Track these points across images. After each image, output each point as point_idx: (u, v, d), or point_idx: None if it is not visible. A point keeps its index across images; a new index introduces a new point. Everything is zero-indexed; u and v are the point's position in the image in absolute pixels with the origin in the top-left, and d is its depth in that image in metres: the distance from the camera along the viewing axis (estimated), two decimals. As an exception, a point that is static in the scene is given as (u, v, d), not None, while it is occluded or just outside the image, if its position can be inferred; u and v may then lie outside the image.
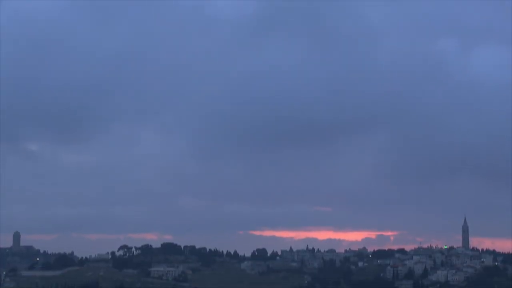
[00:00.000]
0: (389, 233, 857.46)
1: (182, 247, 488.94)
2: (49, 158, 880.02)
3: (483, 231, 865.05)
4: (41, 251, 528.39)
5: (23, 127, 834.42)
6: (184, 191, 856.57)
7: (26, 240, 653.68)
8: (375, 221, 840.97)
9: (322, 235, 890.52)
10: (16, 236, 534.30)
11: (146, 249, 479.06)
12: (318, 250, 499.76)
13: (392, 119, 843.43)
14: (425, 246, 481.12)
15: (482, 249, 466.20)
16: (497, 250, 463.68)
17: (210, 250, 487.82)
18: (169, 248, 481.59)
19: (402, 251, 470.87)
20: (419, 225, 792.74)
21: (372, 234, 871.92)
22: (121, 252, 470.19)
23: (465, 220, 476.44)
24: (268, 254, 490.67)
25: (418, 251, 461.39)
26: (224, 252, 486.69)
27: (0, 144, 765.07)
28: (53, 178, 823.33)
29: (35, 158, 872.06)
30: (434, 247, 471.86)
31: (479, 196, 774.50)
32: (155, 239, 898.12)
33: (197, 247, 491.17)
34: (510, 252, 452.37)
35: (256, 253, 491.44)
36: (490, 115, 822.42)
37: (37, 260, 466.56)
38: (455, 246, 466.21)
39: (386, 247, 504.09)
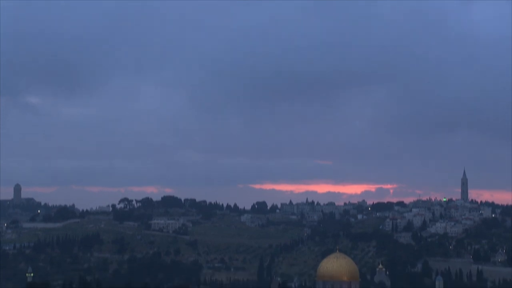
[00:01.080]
0: (389, 186, 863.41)
1: (182, 200, 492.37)
2: (50, 111, 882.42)
3: (482, 184, 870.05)
4: (42, 204, 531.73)
5: (23, 80, 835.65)
6: (184, 144, 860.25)
7: (27, 192, 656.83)
8: (374, 174, 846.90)
9: (322, 188, 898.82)
10: (17, 189, 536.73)
11: (147, 202, 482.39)
12: (318, 203, 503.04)
13: (391, 73, 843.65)
14: (424, 198, 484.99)
15: (481, 201, 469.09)
16: (496, 202, 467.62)
17: (210, 203, 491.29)
18: (169, 201, 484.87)
19: (401, 203, 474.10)
20: (418, 178, 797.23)
21: (371, 187, 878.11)
22: (121, 205, 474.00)
23: (464, 172, 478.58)
24: (268, 207, 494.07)
25: (417, 204, 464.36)
26: (224, 205, 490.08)
27: (1, 97, 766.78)
28: (53, 131, 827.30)
29: (36, 111, 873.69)
30: (433, 200, 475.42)
31: (478, 149, 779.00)
32: (155, 192, 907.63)
33: (197, 200, 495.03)
34: (509, 204, 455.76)
35: (256, 206, 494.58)
36: (489, 69, 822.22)
37: (38, 212, 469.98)
38: (454, 199, 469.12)
39: (385, 200, 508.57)
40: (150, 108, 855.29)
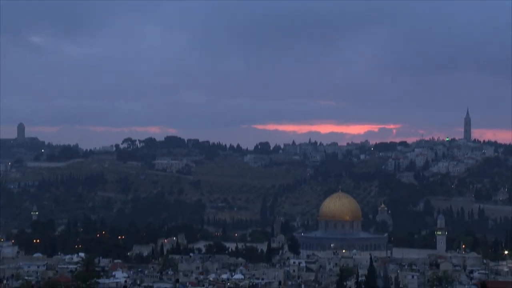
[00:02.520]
0: (392, 126, 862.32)
1: (186, 140, 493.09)
2: (53, 51, 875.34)
3: (485, 123, 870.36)
4: (46, 143, 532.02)
5: (26, 20, 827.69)
6: (188, 85, 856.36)
7: (31, 131, 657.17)
8: (377, 114, 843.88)
9: (325, 129, 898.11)
10: (21, 128, 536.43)
11: (150, 142, 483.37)
12: (321, 144, 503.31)
13: (393, 13, 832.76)
14: (427, 138, 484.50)
15: (484, 141, 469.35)
16: (499, 141, 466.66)
17: (213, 143, 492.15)
18: (172, 141, 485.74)
19: (404, 143, 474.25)
20: (421, 118, 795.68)
21: (374, 127, 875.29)
22: (125, 145, 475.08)
23: (467, 112, 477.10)
24: (271, 148, 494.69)
25: (419, 144, 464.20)
26: (227, 146, 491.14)
27: (3, 37, 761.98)
28: (57, 71, 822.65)
29: (39, 50, 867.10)
30: (436, 139, 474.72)
31: (481, 89, 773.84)
32: (158, 132, 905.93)
33: (200, 140, 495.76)
34: (511, 143, 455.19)
35: (259, 146, 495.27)
36: (491, 6, 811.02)
37: (42, 152, 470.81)
38: (456, 138, 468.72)
39: (388, 140, 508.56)
40: (153, 48, 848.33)
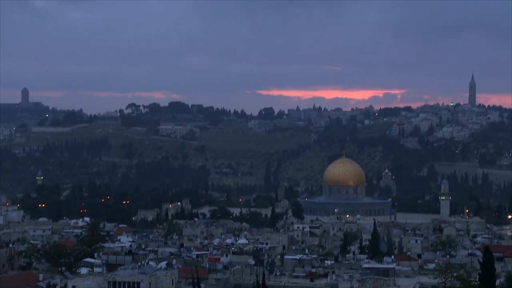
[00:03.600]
0: (396, 91, 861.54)
1: (190, 106, 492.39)
2: (56, 15, 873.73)
3: (490, 88, 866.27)
4: (50, 108, 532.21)
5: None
6: (191, 49, 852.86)
7: (35, 96, 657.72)
8: (382, 79, 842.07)
9: (329, 94, 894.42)
10: (25, 93, 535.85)
11: (154, 107, 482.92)
12: (325, 109, 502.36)
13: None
14: (431, 103, 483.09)
15: (489, 106, 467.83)
16: (504, 106, 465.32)
17: (217, 109, 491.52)
18: (176, 107, 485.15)
19: (408, 108, 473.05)
20: (426, 83, 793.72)
21: (379, 93, 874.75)
22: (129, 110, 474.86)
23: (472, 77, 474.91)
24: (275, 113, 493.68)
25: (424, 109, 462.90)
26: (232, 111, 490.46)
27: (7, 1, 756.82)
28: (60, 35, 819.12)
29: (42, 15, 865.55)
30: (440, 105, 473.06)
31: (487, 53, 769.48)
32: (162, 97, 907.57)
33: (204, 106, 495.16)
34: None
35: (263, 112, 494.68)
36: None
37: (46, 117, 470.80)
38: (461, 103, 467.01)
39: (392, 105, 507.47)
40: (157, 12, 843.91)
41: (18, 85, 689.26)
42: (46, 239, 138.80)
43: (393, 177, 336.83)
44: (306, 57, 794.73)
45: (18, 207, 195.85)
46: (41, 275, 77.77)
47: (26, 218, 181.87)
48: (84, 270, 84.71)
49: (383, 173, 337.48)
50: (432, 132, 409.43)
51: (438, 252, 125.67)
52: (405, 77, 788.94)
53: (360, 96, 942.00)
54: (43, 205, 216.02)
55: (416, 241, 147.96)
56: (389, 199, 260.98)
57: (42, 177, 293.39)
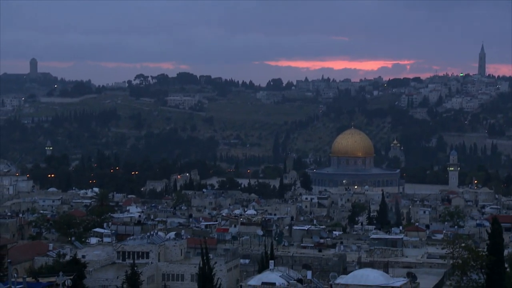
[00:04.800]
0: (405, 62, 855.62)
1: (198, 77, 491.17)
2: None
3: (500, 58, 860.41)
4: (58, 78, 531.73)
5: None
6: (200, 20, 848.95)
7: (43, 67, 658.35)
8: (391, 50, 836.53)
9: (338, 65, 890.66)
10: (33, 63, 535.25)
11: (162, 78, 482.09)
12: (334, 80, 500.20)
13: None
14: (441, 74, 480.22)
15: (498, 76, 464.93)
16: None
17: (225, 80, 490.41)
18: (185, 78, 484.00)
19: (417, 79, 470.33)
20: (435, 53, 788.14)
21: (388, 63, 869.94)
22: (137, 81, 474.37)
23: (482, 47, 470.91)
24: (284, 84, 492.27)
25: (433, 79, 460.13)
26: (240, 82, 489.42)
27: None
28: (67, 4, 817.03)
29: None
30: (450, 75, 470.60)
31: (497, 23, 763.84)
32: (171, 68, 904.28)
33: (212, 76, 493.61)
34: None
35: (272, 83, 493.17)
36: None
37: (55, 87, 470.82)
38: (471, 74, 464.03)
39: (401, 76, 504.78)
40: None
41: (27, 55, 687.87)
42: (55, 209, 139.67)
43: (402, 148, 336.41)
44: (315, 27, 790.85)
45: (28, 177, 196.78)
46: (51, 245, 78.32)
47: (35, 188, 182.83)
48: (93, 240, 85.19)
49: (392, 144, 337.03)
50: (441, 103, 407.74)
51: (446, 223, 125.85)
52: (415, 47, 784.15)
53: (369, 67, 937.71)
54: (53, 175, 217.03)
55: (424, 211, 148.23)
56: (398, 170, 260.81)
57: (51, 148, 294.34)
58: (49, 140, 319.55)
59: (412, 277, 50.76)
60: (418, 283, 52.06)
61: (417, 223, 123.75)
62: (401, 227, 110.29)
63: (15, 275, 50.17)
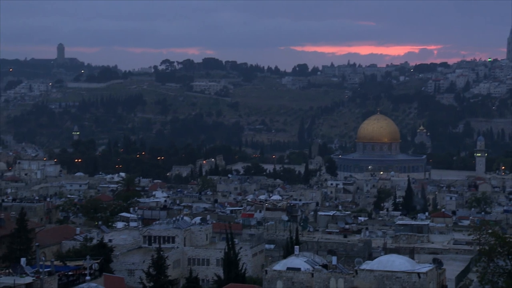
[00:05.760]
0: (433, 47, 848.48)
1: (224, 62, 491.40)
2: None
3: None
4: (85, 64, 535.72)
5: None
6: (225, 5, 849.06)
7: (70, 52, 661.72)
8: (418, 35, 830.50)
9: (364, 50, 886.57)
10: (60, 48, 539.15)
11: (188, 63, 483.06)
12: (360, 65, 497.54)
13: None
14: (468, 59, 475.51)
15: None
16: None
17: (251, 65, 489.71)
18: (210, 63, 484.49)
19: (444, 64, 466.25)
20: (463, 38, 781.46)
21: (415, 48, 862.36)
22: (163, 66, 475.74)
23: (510, 31, 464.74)
24: (309, 70, 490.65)
25: (461, 64, 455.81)
26: (265, 68, 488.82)
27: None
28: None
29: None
30: (477, 60, 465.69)
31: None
32: (196, 53, 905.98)
33: (238, 62, 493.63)
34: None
35: (297, 68, 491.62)
36: None
37: (82, 72, 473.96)
38: (499, 59, 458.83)
39: (428, 61, 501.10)
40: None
41: (54, 41, 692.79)
42: (82, 194, 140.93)
43: (428, 133, 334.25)
44: (341, 12, 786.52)
45: (55, 161, 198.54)
46: (78, 229, 79.07)
47: (63, 172, 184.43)
48: (120, 225, 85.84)
49: (418, 130, 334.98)
50: (468, 88, 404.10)
51: (473, 209, 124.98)
52: (442, 32, 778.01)
53: (395, 52, 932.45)
54: (80, 160, 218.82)
55: (451, 198, 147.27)
56: (424, 156, 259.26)
57: (78, 133, 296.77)
58: (76, 125, 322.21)
59: (438, 263, 50.56)
60: (444, 269, 51.82)
61: (443, 209, 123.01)
62: (427, 213, 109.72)
63: (43, 258, 50.77)
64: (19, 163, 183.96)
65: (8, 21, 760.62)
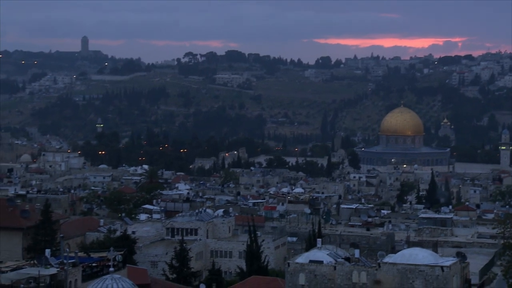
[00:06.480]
0: (457, 39, 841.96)
1: (247, 55, 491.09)
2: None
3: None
4: (109, 56, 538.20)
5: None
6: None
7: (94, 45, 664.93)
8: (443, 27, 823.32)
9: (388, 43, 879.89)
10: (84, 41, 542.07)
11: (211, 56, 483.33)
12: (383, 58, 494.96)
13: None
14: (493, 51, 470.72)
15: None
16: None
17: (274, 58, 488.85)
18: (233, 56, 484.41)
19: (469, 57, 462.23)
20: (488, 31, 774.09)
21: (439, 41, 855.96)
22: (186, 59, 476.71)
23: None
24: (332, 62, 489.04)
25: (486, 57, 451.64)
26: (288, 60, 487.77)
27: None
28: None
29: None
30: (502, 53, 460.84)
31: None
32: (219, 46, 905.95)
33: (261, 55, 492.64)
34: None
35: (320, 61, 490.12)
36: None
37: (106, 65, 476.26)
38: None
39: (453, 54, 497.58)
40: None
41: (78, 33, 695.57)
42: (106, 186, 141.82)
43: (452, 126, 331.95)
44: (365, 5, 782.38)
45: (79, 154, 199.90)
46: (101, 221, 79.68)
47: (86, 164, 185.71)
48: (143, 217, 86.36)
49: (442, 123, 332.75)
50: (493, 81, 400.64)
51: (497, 202, 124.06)
52: (467, 24, 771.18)
53: (419, 44, 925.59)
54: (103, 152, 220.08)
55: (475, 191, 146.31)
56: (448, 149, 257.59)
57: (102, 125, 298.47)
58: (99, 118, 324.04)
59: (461, 256, 50.20)
60: (468, 263, 51.45)
61: (467, 203, 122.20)
62: (450, 207, 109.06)
63: (67, 250, 51.24)
64: (43, 155, 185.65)
65: (33, 14, 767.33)
